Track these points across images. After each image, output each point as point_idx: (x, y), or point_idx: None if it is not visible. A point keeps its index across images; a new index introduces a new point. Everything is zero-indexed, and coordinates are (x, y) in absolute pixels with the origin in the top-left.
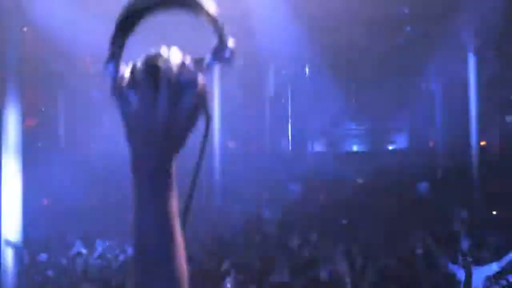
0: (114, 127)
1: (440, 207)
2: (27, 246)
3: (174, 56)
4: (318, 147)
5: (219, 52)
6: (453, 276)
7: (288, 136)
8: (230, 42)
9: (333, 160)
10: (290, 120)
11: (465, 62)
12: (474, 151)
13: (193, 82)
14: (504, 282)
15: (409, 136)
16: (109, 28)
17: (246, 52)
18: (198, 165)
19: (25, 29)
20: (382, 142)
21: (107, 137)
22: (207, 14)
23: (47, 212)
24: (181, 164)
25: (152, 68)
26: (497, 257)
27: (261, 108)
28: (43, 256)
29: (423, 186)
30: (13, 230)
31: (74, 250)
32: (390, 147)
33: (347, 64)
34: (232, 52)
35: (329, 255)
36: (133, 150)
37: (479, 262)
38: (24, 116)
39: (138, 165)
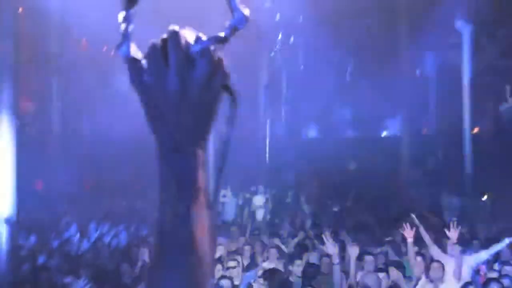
0: (110, 110)
1: (432, 194)
2: (20, 230)
3: (185, 31)
4: (312, 133)
5: (236, 23)
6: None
7: (282, 122)
8: (246, 11)
9: (326, 146)
10: (283, 106)
11: (459, 48)
12: (467, 138)
13: (205, 52)
14: (493, 271)
15: (402, 123)
16: (105, 8)
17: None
18: (225, 145)
19: (20, 9)
20: (375, 128)
21: (103, 120)
22: None
23: (41, 196)
24: None
25: (162, 41)
26: (487, 245)
27: (255, 92)
28: (32, 239)
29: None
30: (6, 213)
31: (67, 234)
32: (383, 134)
33: (342, 50)
34: (247, 19)
35: (320, 240)
36: (152, 130)
37: (469, 250)
38: (19, 99)
39: (158, 144)
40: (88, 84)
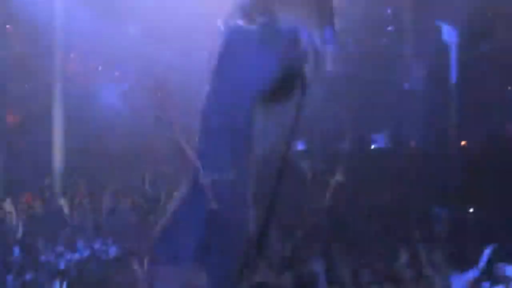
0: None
1: (421, 207)
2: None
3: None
4: (300, 146)
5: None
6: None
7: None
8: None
9: (314, 159)
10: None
11: (447, 61)
12: (455, 151)
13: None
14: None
15: (390, 136)
16: (95, 24)
17: None
18: (294, 126)
19: (8, 26)
20: (362, 141)
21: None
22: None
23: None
24: None
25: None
26: (476, 261)
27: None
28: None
29: None
30: None
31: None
32: (371, 147)
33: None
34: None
35: (308, 254)
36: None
37: (459, 267)
38: (6, 113)
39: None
40: (81, 96)
